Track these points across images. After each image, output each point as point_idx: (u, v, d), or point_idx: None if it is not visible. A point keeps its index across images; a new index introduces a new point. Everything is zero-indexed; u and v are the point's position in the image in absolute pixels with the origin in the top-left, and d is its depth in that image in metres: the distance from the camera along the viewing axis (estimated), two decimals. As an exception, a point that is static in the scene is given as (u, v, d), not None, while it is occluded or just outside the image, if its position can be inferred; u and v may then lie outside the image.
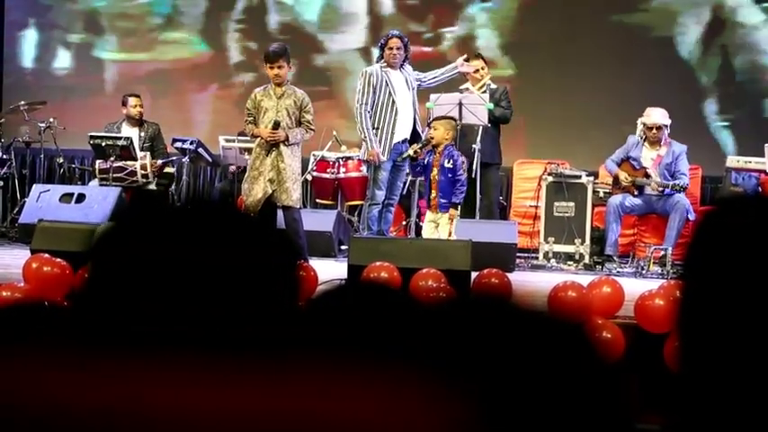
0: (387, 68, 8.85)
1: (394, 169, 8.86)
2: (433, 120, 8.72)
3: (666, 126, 9.28)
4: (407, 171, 9.05)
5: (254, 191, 7.96)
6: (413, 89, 8.95)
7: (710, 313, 1.18)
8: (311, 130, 8.12)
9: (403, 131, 8.85)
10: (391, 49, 8.82)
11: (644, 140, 9.35)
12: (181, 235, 1.11)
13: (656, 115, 9.35)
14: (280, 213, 8.03)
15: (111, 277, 1.11)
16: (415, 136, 8.90)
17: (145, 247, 1.11)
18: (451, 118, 8.71)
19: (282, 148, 7.94)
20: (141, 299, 1.08)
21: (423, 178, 8.85)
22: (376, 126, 8.77)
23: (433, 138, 8.56)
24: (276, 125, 7.90)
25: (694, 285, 1.21)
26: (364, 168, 9.43)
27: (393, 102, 8.79)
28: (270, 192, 7.93)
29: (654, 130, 9.23)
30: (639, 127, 9.41)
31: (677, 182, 9.08)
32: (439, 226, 8.61)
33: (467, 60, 9.35)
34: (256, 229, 1.14)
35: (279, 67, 7.96)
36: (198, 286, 1.08)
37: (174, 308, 1.07)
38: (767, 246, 1.17)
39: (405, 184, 9.23)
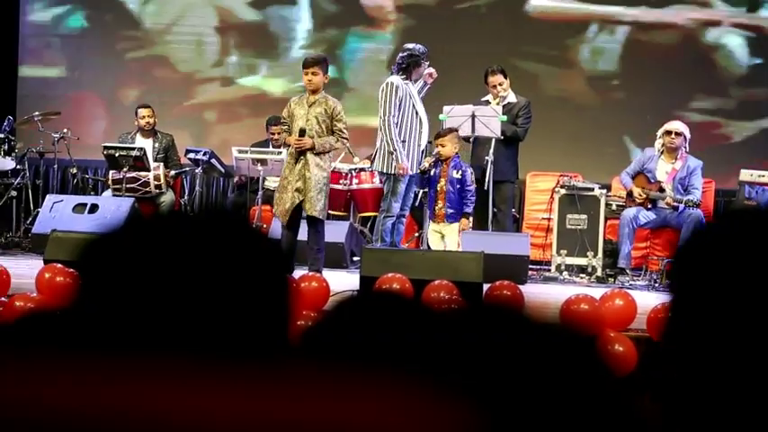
0: (407, 81, 8.74)
1: (408, 181, 8.83)
2: (437, 136, 8.73)
3: (686, 138, 9.30)
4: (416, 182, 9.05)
5: (283, 200, 7.90)
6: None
7: (698, 325, 1.18)
8: (343, 138, 8.01)
9: (424, 143, 8.83)
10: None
11: (661, 154, 9.36)
12: (170, 243, 1.12)
13: (678, 123, 9.41)
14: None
15: (101, 285, 1.11)
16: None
17: (134, 255, 1.11)
18: (454, 129, 8.76)
19: (309, 156, 7.84)
20: (130, 305, 1.08)
21: (428, 189, 8.88)
22: (403, 139, 8.65)
23: (441, 154, 8.64)
24: (302, 133, 7.86)
25: (682, 298, 1.21)
26: (377, 180, 9.41)
27: (416, 113, 8.67)
28: (297, 202, 7.87)
29: (673, 135, 9.24)
30: (659, 141, 9.39)
31: (690, 197, 9.07)
32: (445, 236, 8.62)
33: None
34: (248, 241, 1.14)
35: (313, 74, 7.89)
36: (185, 294, 1.08)
37: (162, 313, 1.07)
38: (758, 257, 1.17)
39: (416, 195, 9.21)
